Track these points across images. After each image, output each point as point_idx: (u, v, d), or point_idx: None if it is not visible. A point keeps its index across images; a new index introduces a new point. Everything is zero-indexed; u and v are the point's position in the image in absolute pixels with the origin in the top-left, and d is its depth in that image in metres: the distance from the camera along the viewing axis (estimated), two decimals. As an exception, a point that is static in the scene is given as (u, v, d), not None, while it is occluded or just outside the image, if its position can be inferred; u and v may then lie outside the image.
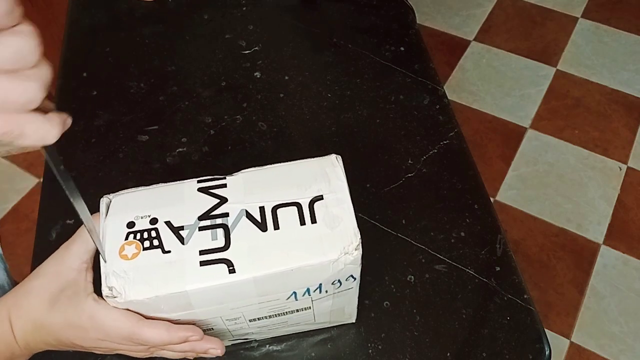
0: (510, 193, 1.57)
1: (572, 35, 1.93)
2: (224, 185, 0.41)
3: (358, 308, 0.49)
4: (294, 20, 0.79)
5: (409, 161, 0.64)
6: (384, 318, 0.53)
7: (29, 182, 1.58)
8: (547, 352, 0.51)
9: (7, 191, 1.56)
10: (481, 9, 2.02)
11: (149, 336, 0.38)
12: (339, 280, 0.41)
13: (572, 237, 1.48)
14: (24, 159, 1.60)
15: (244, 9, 0.80)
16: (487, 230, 0.59)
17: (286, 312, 0.44)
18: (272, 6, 0.81)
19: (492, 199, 1.54)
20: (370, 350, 0.51)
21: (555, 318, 1.36)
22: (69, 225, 0.59)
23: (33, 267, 0.57)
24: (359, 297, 0.46)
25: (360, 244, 0.38)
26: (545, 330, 0.53)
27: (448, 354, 0.51)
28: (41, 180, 1.47)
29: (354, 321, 0.52)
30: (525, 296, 0.54)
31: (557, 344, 1.32)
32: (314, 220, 0.39)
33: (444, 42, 1.92)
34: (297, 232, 0.39)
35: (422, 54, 0.74)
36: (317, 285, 0.40)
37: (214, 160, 0.64)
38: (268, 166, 0.42)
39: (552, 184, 1.58)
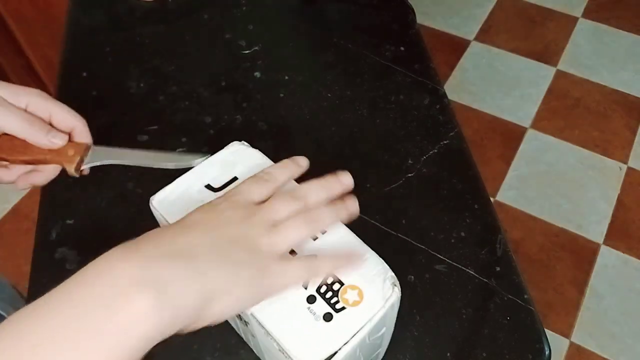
0: (510, 193, 1.57)
1: (572, 35, 1.94)
2: None
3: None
4: (294, 20, 0.79)
5: (409, 161, 0.64)
6: (384, 318, 0.53)
7: (29, 182, 1.57)
8: (547, 352, 0.51)
9: (7, 191, 1.56)
10: (481, 9, 2.02)
11: None
12: None
13: (572, 237, 1.48)
14: (24, 159, 1.60)
15: (244, 9, 0.80)
16: (487, 230, 0.59)
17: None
18: (272, 6, 0.81)
19: (492, 199, 1.54)
20: (370, 350, 0.51)
21: (555, 318, 1.36)
22: (69, 225, 0.59)
23: (33, 267, 0.57)
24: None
25: None
26: (545, 330, 0.53)
27: (448, 354, 0.51)
28: (41, 180, 1.47)
29: None
30: (525, 296, 0.54)
31: (557, 344, 1.32)
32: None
33: (444, 42, 1.93)
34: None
35: (422, 54, 0.74)
36: None
37: (214, 160, 0.64)
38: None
39: (552, 184, 1.58)
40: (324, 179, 0.40)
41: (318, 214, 0.38)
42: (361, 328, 0.36)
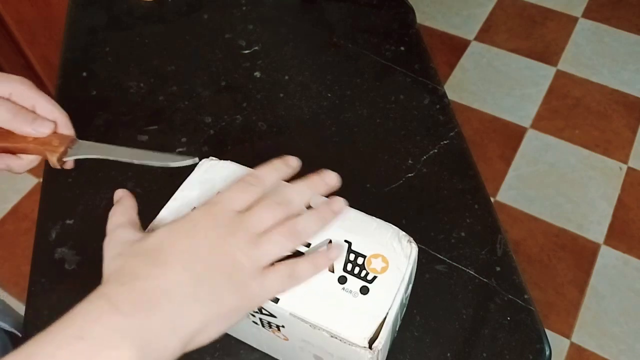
0: (510, 193, 1.57)
1: (573, 35, 1.94)
2: None
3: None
4: (294, 20, 0.79)
5: (409, 161, 0.64)
6: (384, 318, 0.53)
7: (29, 182, 1.58)
8: (547, 353, 0.51)
9: (7, 191, 1.56)
10: (481, 9, 2.02)
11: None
12: None
13: (572, 237, 1.48)
14: (24, 159, 1.60)
15: (244, 9, 0.80)
16: (488, 230, 0.58)
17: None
18: (272, 6, 0.81)
19: (492, 199, 1.54)
20: (370, 351, 0.51)
21: (556, 318, 1.36)
22: (69, 225, 0.59)
23: (33, 267, 0.57)
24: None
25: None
26: (546, 330, 0.52)
27: (448, 354, 0.51)
28: (41, 180, 1.47)
29: None
30: (525, 296, 0.54)
31: (558, 344, 1.32)
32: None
33: (444, 42, 1.92)
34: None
35: (423, 54, 0.74)
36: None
37: (213, 160, 0.64)
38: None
39: (552, 184, 1.58)
40: (308, 180, 0.38)
41: (303, 224, 0.36)
42: (398, 289, 0.38)
